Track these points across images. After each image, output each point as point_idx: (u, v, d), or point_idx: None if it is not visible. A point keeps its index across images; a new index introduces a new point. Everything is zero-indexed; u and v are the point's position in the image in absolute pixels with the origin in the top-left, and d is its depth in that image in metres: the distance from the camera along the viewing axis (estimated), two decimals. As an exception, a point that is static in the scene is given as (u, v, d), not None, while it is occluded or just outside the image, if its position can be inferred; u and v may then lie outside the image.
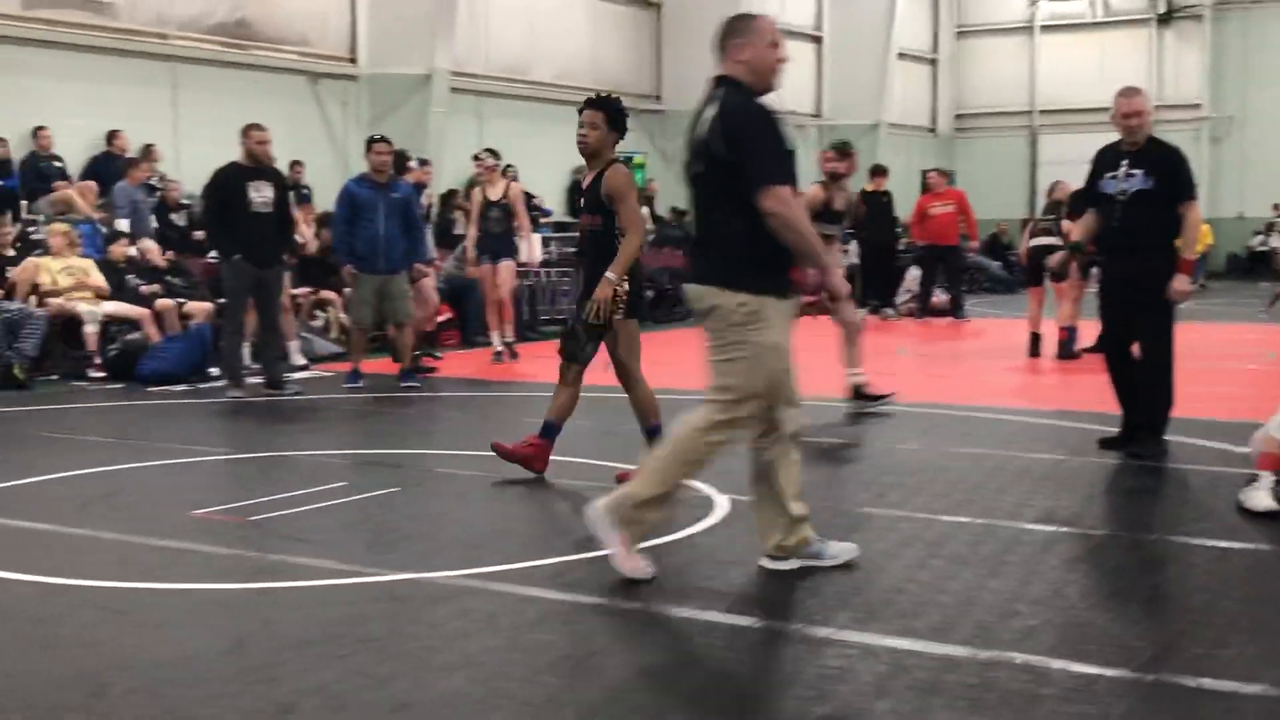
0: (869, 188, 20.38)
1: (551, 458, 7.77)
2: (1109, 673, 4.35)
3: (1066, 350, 14.06)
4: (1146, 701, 4.15)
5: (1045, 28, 34.69)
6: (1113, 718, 3.98)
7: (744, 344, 5.32)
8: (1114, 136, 8.35)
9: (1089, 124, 33.31)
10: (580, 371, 7.65)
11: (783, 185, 5.25)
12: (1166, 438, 8.25)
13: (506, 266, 14.21)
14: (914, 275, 21.09)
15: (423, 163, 17.29)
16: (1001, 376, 13.23)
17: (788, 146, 5.39)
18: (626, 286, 7.44)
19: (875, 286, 20.21)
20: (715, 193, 5.42)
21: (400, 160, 14.50)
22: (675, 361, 10.92)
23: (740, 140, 5.28)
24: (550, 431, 7.64)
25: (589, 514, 5.49)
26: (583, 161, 7.95)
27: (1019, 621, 4.93)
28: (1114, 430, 8.49)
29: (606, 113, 7.60)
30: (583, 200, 7.63)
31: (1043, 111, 34.07)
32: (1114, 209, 8.18)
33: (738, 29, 5.56)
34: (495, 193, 14.02)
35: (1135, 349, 8.22)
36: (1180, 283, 7.95)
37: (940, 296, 20.52)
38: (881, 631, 4.79)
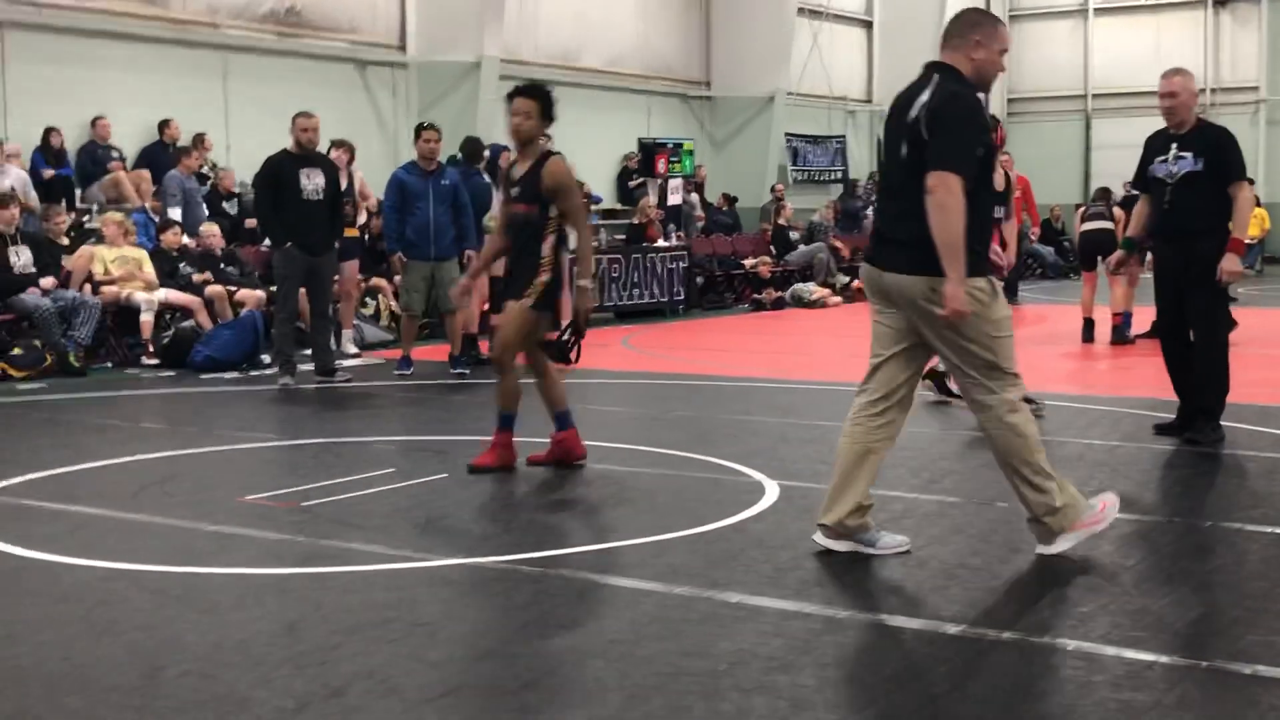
0: None
1: (598, 442, 7.78)
2: (1163, 659, 4.31)
3: (1120, 335, 13.95)
4: (1201, 688, 4.10)
5: (1099, 11, 34.31)
6: (1165, 705, 3.94)
7: (999, 321, 5.41)
8: (1160, 120, 8.29)
9: (1144, 108, 32.86)
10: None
11: (958, 176, 5.22)
12: (1222, 423, 8.16)
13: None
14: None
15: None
16: (1056, 362, 13.13)
17: (982, 147, 5.37)
18: (548, 278, 7.40)
19: None
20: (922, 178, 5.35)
21: (475, 148, 14.38)
22: (731, 349, 10.94)
23: (941, 120, 5.29)
24: (565, 421, 7.63)
25: (1046, 551, 5.53)
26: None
27: (1072, 607, 4.90)
28: (1169, 416, 8.42)
29: (539, 101, 7.58)
30: (516, 189, 7.51)
31: (1096, 95, 33.72)
32: (1164, 192, 8.12)
33: (981, 26, 5.57)
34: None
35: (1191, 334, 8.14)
36: (1230, 263, 7.86)
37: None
38: (933, 617, 4.76)
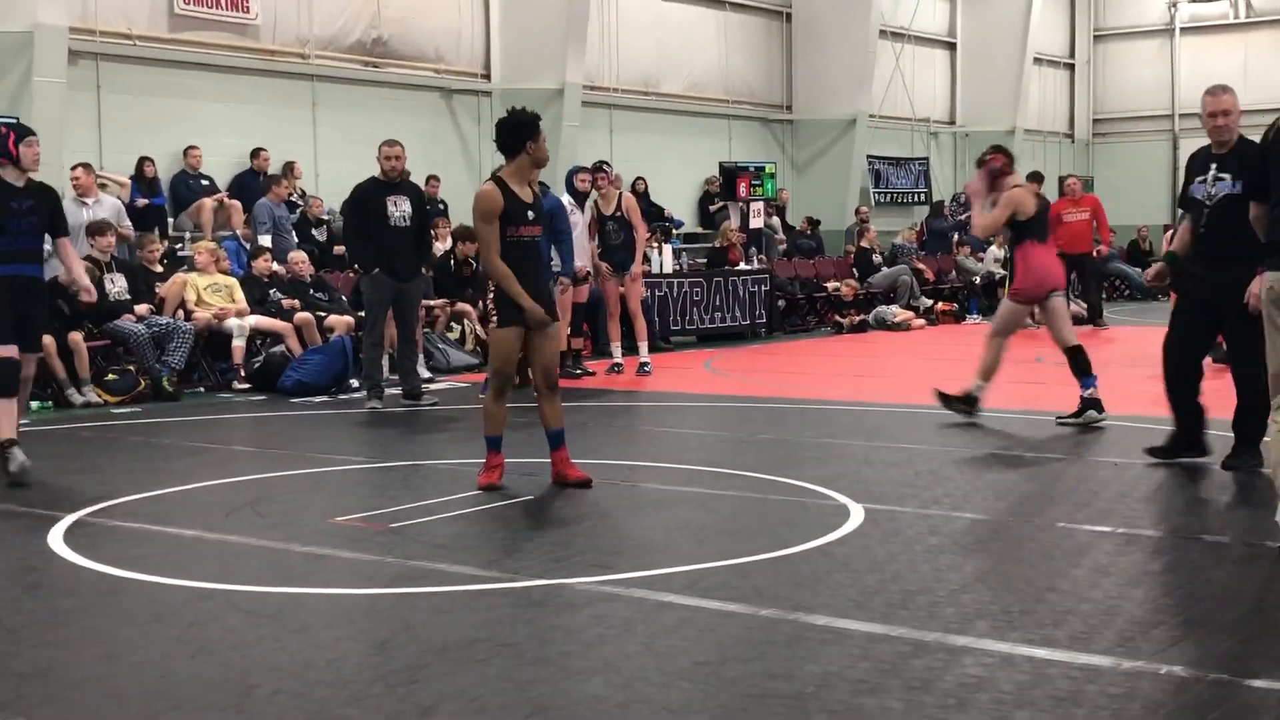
0: None
1: (682, 465, 7.80)
2: (1255, 683, 4.25)
3: (1215, 354, 13.74)
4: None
5: (1185, 29, 33.89)
6: None
7: None
8: (1252, 138, 8.05)
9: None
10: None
11: None
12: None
13: (631, 278, 14.05)
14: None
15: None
16: (1141, 385, 12.95)
17: None
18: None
19: None
20: None
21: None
22: (813, 372, 10.91)
23: None
24: (559, 440, 7.79)
25: None
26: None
27: (1163, 631, 4.84)
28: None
29: None
30: (531, 213, 7.66)
31: (1184, 115, 33.28)
32: (1201, 215, 7.87)
33: None
34: (609, 207, 13.94)
35: (1210, 359, 8.02)
36: (1257, 285, 7.35)
37: (1076, 305, 20.14)
38: (1021, 641, 4.73)
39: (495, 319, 7.91)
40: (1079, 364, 10.06)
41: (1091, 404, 9.90)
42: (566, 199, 13.61)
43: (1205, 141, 8.13)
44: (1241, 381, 7.87)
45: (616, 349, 14.26)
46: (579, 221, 13.64)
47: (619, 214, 13.90)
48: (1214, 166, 7.87)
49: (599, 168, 14.17)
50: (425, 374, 13.75)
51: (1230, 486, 7.61)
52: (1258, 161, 7.51)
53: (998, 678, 4.35)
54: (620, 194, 14.29)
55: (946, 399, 10.31)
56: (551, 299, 7.88)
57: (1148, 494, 7.44)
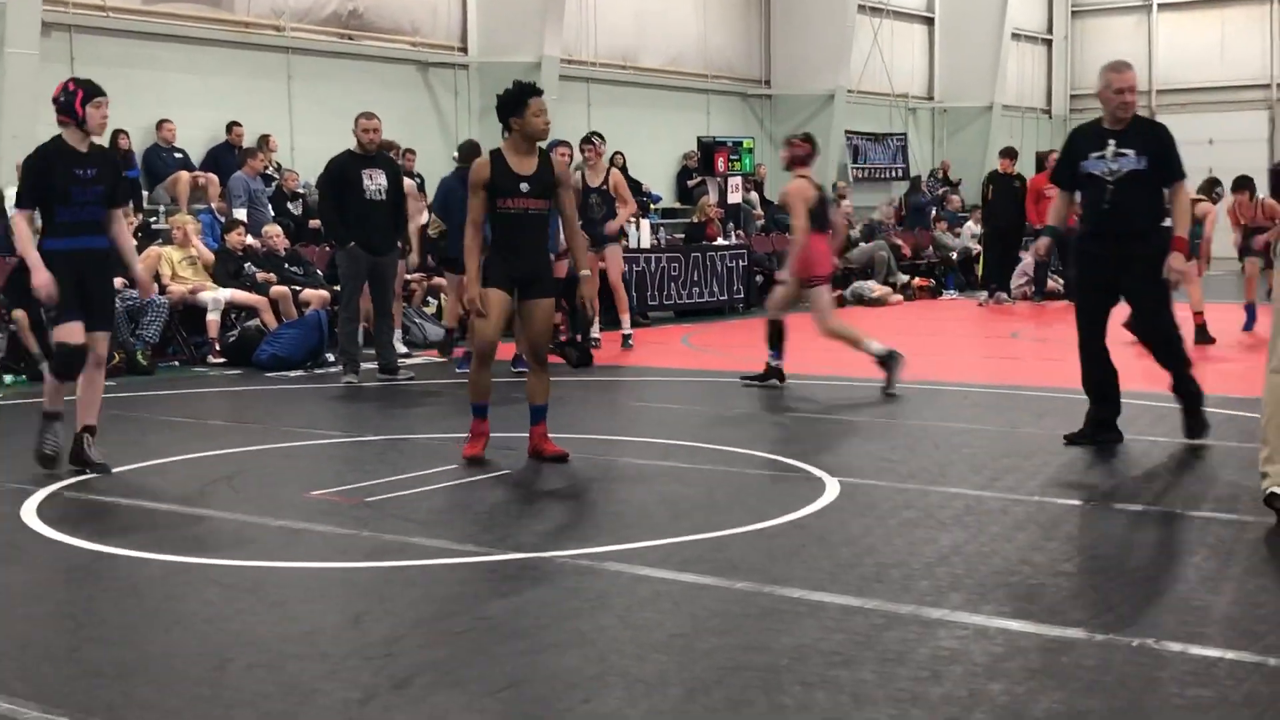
0: (999, 169, 20.13)
1: (659, 440, 7.80)
2: (1229, 655, 4.28)
3: (1204, 335, 13.86)
4: (1268, 684, 4.07)
5: (1163, 6, 33.94)
6: (1232, 701, 3.91)
7: None
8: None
9: (1209, 103, 32.64)
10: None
11: None
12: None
13: (611, 252, 13.95)
14: (1028, 259, 20.81)
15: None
16: (1122, 361, 13.00)
17: None
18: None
19: (997, 270, 19.96)
20: None
21: (473, 151, 14.14)
22: (791, 347, 10.90)
23: None
24: (539, 415, 7.80)
25: None
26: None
27: (1136, 604, 4.87)
28: (1224, 413, 8.32)
29: None
30: (527, 185, 7.57)
31: (1160, 91, 33.36)
32: (1103, 191, 7.81)
33: None
34: (596, 179, 13.81)
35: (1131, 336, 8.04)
36: (1177, 261, 7.62)
37: (1055, 280, 20.22)
38: (995, 613, 4.76)
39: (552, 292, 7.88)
40: (775, 336, 10.91)
41: (775, 373, 10.86)
42: None
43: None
44: (1159, 349, 7.94)
45: (595, 324, 14.15)
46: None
47: (604, 187, 13.77)
48: (1113, 143, 7.80)
49: (589, 139, 13.99)
50: (402, 349, 13.70)
51: (1208, 460, 7.65)
52: (1164, 140, 7.78)
53: (971, 650, 4.37)
54: (609, 169, 14.13)
55: (760, 377, 10.83)
56: (547, 274, 7.77)
57: (1122, 467, 7.47)
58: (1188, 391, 8.02)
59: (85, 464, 7.55)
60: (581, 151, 13.79)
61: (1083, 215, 8.11)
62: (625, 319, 14.17)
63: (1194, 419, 8.01)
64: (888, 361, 10.36)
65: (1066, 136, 8.32)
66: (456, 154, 13.86)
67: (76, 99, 7.52)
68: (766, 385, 10.80)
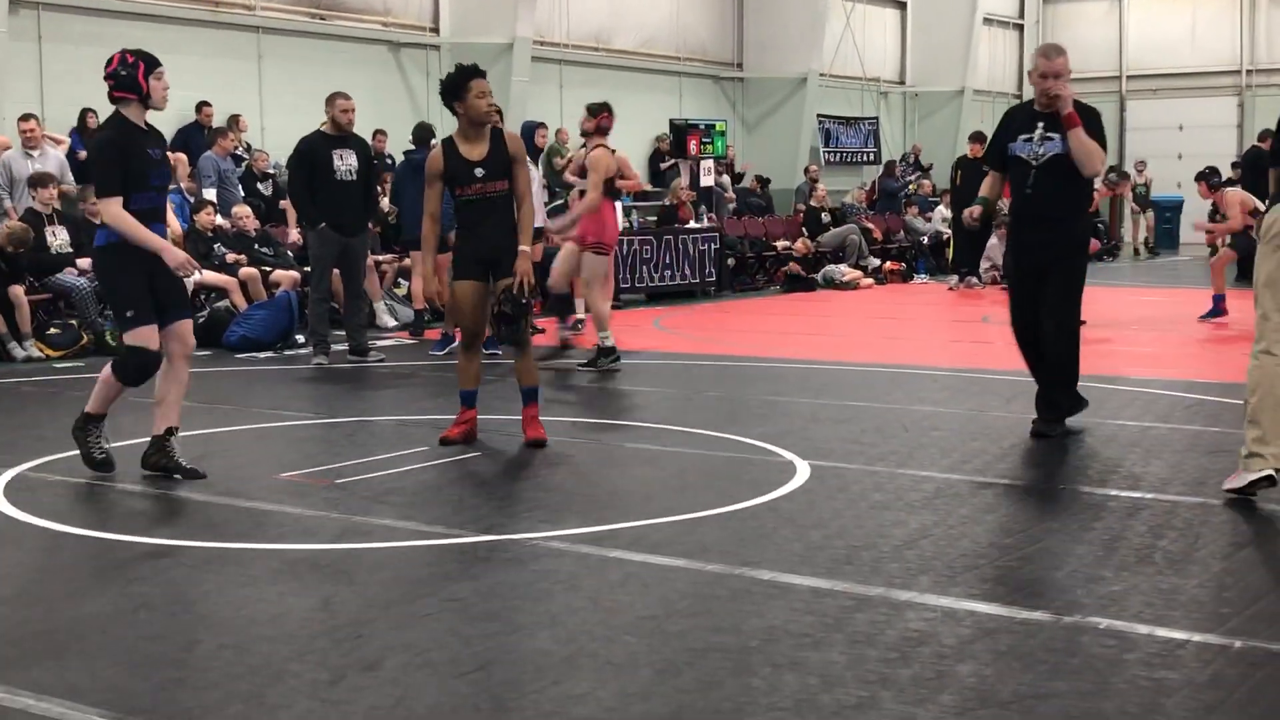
0: (968, 154, 20.14)
1: (631, 422, 7.80)
2: (1195, 637, 4.31)
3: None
4: (1233, 666, 4.10)
5: (1134, -9, 34.09)
6: (1198, 683, 3.94)
7: None
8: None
9: (1180, 89, 32.76)
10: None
11: None
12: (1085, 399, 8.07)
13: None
14: (994, 244, 20.87)
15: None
16: (1086, 343, 13.06)
17: None
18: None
19: (967, 254, 19.99)
20: None
21: (426, 134, 13.88)
22: (762, 331, 10.95)
23: None
24: (526, 397, 7.78)
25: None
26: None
27: (1103, 587, 4.90)
28: (1200, 398, 8.36)
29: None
30: (482, 170, 7.49)
31: (1131, 76, 33.49)
32: (1026, 174, 7.77)
33: None
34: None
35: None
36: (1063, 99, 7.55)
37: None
38: (964, 595, 4.78)
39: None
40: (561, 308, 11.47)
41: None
42: None
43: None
44: (1054, 341, 7.82)
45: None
46: (536, 178, 13.36)
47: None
48: (1041, 125, 7.75)
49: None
50: (391, 321, 13.58)
51: (1175, 443, 7.70)
52: (1092, 126, 7.70)
53: (940, 632, 4.39)
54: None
55: (593, 362, 10.91)
56: (511, 255, 7.62)
57: (1090, 451, 7.51)
58: (1051, 399, 7.88)
59: (173, 470, 6.88)
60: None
61: (1010, 199, 8.08)
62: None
63: (1050, 421, 7.85)
64: (602, 358, 10.74)
65: (1001, 117, 8.29)
66: (411, 137, 13.74)
67: (139, 71, 6.78)
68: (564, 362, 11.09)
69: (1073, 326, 7.93)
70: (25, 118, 13.62)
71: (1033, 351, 8.02)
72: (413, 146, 13.84)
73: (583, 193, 12.80)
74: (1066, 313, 7.86)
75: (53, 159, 13.77)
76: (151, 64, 6.82)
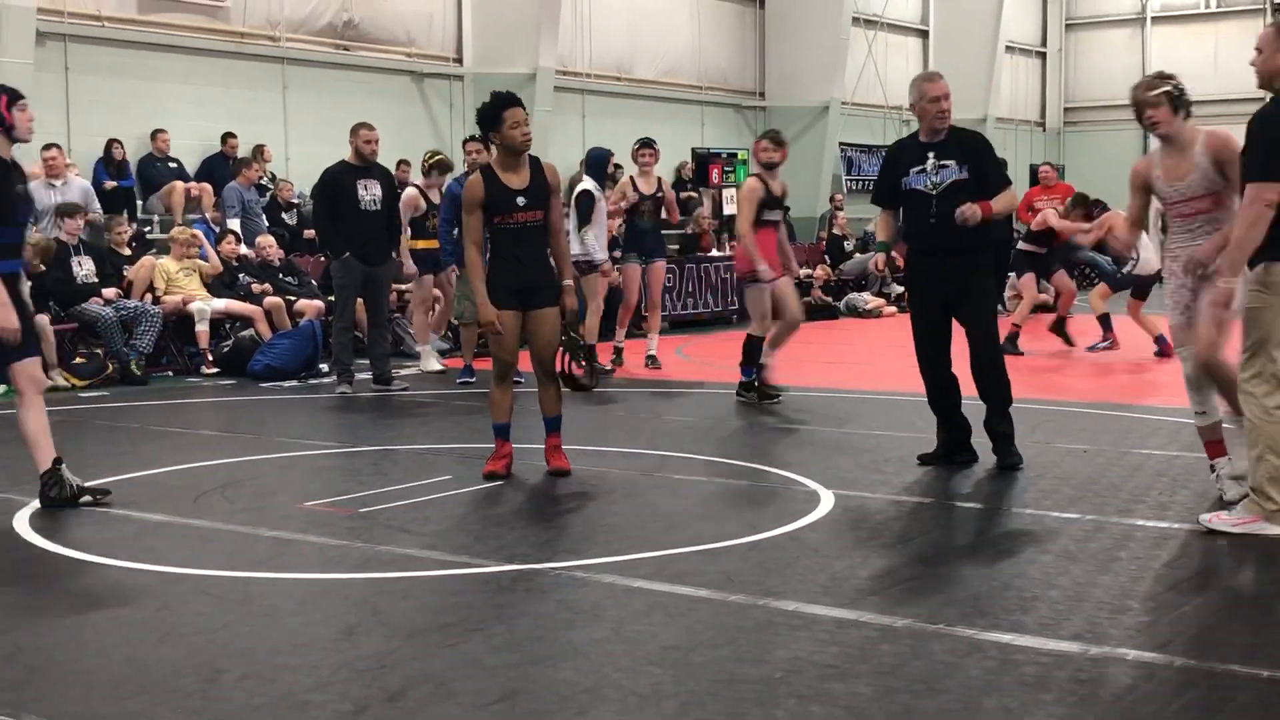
0: None
1: (654, 450, 7.78)
2: (1219, 668, 4.27)
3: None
4: (1260, 699, 4.06)
5: (1157, 19, 34.05)
6: (1224, 714, 3.90)
7: None
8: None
9: (1203, 116, 32.62)
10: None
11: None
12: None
13: (658, 266, 13.45)
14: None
15: None
16: (1111, 371, 13.03)
17: None
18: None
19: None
20: None
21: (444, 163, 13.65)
22: (785, 359, 10.92)
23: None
24: (549, 427, 7.79)
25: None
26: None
27: (1131, 618, 4.86)
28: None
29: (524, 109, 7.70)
30: (523, 199, 7.48)
31: (1154, 104, 33.39)
32: (928, 205, 7.64)
33: None
34: (649, 186, 13.17)
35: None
36: (970, 210, 7.41)
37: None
38: (989, 627, 4.75)
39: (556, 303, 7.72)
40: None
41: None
42: (590, 183, 12.80)
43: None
44: (981, 366, 7.74)
45: (622, 334, 13.60)
46: (602, 208, 12.82)
47: (658, 194, 13.23)
48: (933, 155, 7.65)
49: (648, 144, 13.29)
50: (437, 366, 13.29)
51: (1202, 471, 7.64)
52: (982, 148, 7.71)
53: (966, 664, 4.36)
54: (659, 177, 13.52)
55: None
56: (549, 284, 7.63)
57: (1115, 480, 7.46)
58: (999, 432, 7.79)
59: (79, 494, 6.92)
60: (635, 158, 13.25)
61: (909, 233, 7.91)
62: (654, 339, 13.53)
63: (1006, 453, 7.77)
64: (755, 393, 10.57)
65: (885, 154, 8.18)
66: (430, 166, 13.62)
67: (2, 104, 6.69)
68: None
69: (998, 350, 7.87)
70: (48, 147, 13.71)
71: (937, 389, 7.90)
72: (425, 174, 13.71)
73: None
74: (990, 323, 7.82)
75: (76, 188, 13.85)
76: (14, 96, 6.75)
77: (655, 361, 13.30)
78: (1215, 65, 32.18)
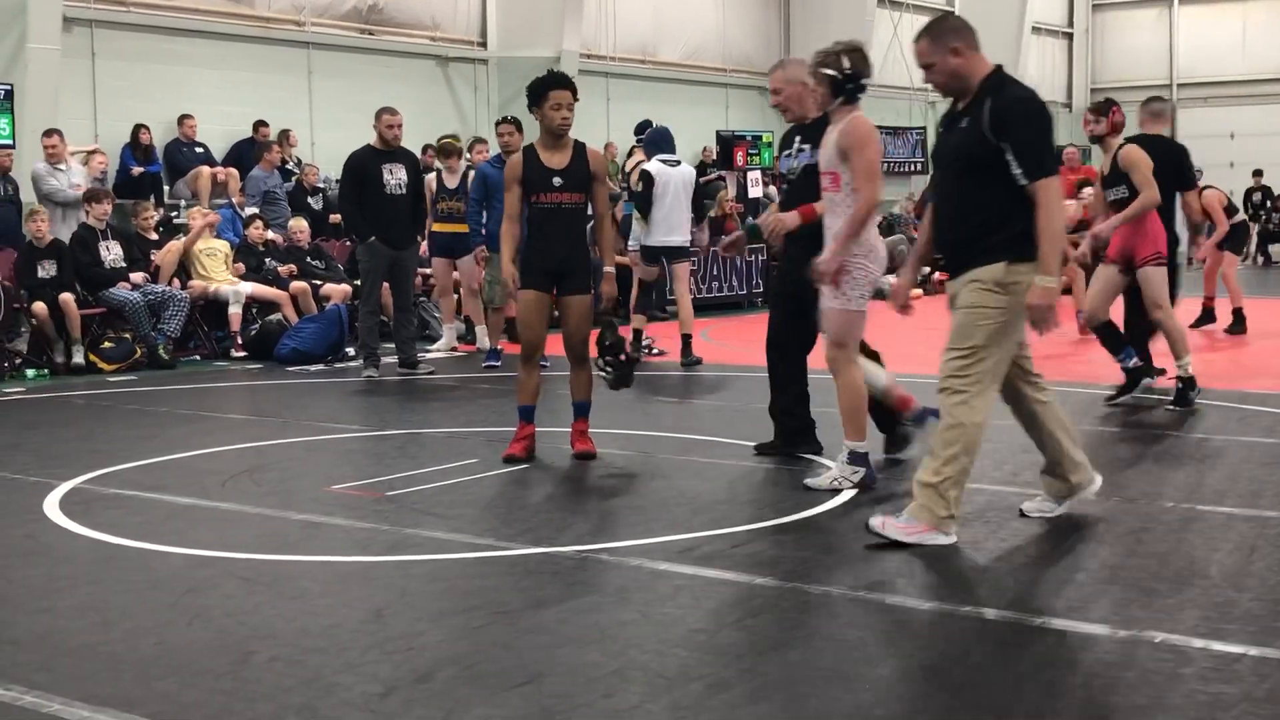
0: None
1: (679, 434, 7.78)
2: (1252, 652, 4.26)
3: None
4: (1291, 682, 4.05)
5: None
6: (1255, 697, 3.89)
7: None
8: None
9: (1231, 97, 32.48)
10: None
11: None
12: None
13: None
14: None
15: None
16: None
17: None
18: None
19: None
20: None
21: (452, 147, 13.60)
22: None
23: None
24: (578, 411, 7.79)
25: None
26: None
27: (1158, 600, 4.85)
28: (1258, 409, 8.27)
29: (574, 93, 7.62)
30: (560, 180, 7.47)
31: (1182, 85, 33.22)
32: (788, 189, 7.51)
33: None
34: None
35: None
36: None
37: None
38: (1018, 609, 4.74)
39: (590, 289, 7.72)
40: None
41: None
42: (653, 164, 12.45)
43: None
44: (795, 364, 7.60)
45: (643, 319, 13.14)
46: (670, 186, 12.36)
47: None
48: (798, 139, 7.41)
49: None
50: (450, 344, 13.34)
51: (1239, 454, 7.61)
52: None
53: (991, 645, 4.35)
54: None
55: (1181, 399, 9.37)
56: (583, 268, 7.60)
57: (1144, 464, 7.43)
58: (794, 426, 7.63)
59: None
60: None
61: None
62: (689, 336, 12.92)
63: (807, 441, 7.62)
64: (1189, 392, 9.36)
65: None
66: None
67: None
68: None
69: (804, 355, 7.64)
70: (49, 134, 13.68)
71: (782, 375, 7.70)
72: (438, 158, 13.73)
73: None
74: (807, 335, 7.56)
75: (78, 175, 13.86)
76: None
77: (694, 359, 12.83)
78: (1244, 45, 31.96)
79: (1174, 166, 9.68)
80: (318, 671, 4.20)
